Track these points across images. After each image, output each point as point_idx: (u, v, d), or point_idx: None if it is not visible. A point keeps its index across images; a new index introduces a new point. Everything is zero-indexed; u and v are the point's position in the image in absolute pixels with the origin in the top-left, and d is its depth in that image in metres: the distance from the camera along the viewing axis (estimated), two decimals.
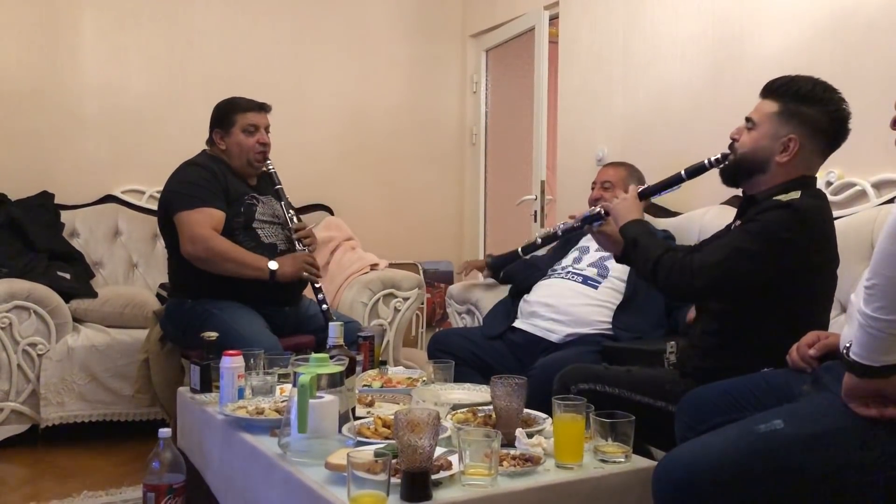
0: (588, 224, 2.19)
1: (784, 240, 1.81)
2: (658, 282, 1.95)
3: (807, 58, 2.72)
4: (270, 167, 2.95)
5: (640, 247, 2.00)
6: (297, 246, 2.90)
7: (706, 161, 2.02)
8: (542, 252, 3.07)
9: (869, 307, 1.26)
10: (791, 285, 1.85)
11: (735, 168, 1.97)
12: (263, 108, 2.94)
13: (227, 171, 2.87)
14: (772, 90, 1.93)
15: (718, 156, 1.99)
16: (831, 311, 2.00)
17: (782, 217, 1.82)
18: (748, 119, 1.95)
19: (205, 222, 2.71)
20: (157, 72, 4.03)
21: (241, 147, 2.88)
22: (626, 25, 3.53)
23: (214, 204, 2.75)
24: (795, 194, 1.85)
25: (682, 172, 2.09)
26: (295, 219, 2.94)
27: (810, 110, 1.87)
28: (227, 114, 2.90)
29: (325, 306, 2.81)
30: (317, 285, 2.83)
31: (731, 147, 1.98)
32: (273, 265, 2.73)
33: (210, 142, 2.94)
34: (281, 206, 2.96)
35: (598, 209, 2.18)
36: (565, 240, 3.18)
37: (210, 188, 2.77)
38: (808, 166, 1.93)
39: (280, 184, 2.96)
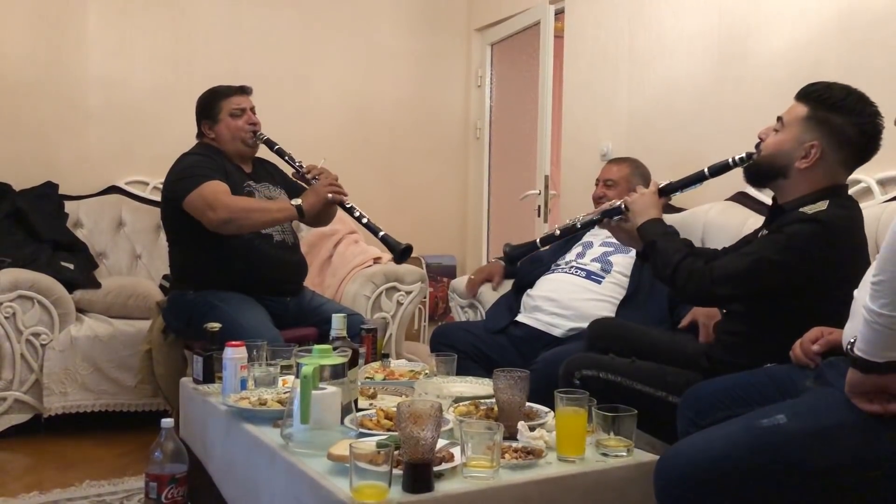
0: (608, 217, 2.16)
1: (812, 256, 1.78)
2: (676, 288, 1.93)
3: (813, 54, 2.71)
4: (263, 136, 2.92)
5: (658, 250, 1.96)
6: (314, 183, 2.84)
7: (730, 160, 1.99)
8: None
9: (875, 303, 1.26)
10: (818, 292, 1.81)
11: (756, 169, 1.94)
12: (244, 90, 2.94)
13: (224, 159, 2.87)
14: (805, 94, 1.88)
15: (743, 155, 1.96)
16: None
17: (809, 232, 1.78)
18: (779, 119, 1.91)
19: (216, 190, 2.71)
20: (162, 63, 4.03)
21: (232, 131, 2.88)
22: (632, 21, 3.52)
23: (217, 178, 2.75)
24: (822, 205, 1.80)
25: (706, 170, 2.04)
26: (304, 164, 2.90)
27: (839, 119, 1.82)
28: (211, 103, 2.91)
29: (365, 220, 2.74)
30: (347, 205, 2.77)
31: (756, 146, 1.94)
32: (296, 201, 2.73)
33: (200, 135, 2.94)
34: (280, 188, 2.97)
35: (618, 203, 2.15)
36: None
37: (210, 167, 2.78)
38: (832, 176, 1.87)
39: (277, 143, 2.92)
